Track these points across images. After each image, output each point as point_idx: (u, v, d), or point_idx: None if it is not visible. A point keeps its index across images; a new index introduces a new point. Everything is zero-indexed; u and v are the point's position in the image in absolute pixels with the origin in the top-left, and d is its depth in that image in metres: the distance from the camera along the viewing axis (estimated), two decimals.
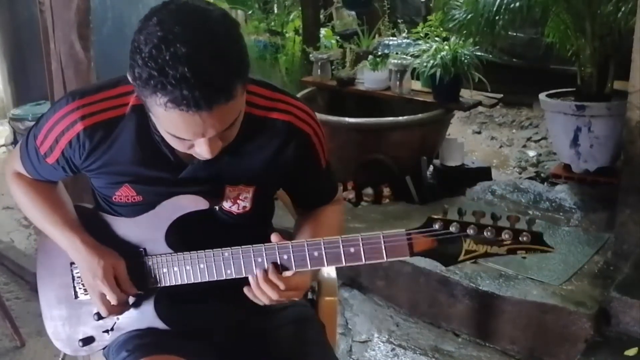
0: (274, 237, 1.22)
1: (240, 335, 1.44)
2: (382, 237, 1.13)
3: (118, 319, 1.40)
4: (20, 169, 1.43)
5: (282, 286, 1.21)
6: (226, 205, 1.33)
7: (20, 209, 1.48)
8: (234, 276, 1.26)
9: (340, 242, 1.16)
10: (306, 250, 1.19)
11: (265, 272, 1.22)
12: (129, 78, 1.09)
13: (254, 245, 1.23)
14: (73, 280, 1.44)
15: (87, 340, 1.43)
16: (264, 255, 1.22)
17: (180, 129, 1.09)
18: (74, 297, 1.45)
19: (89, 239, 1.36)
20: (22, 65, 5.18)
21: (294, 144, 1.30)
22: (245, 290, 1.24)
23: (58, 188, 1.47)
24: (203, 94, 1.02)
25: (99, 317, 1.40)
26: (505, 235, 1.07)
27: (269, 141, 1.29)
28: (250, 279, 1.23)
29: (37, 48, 2.93)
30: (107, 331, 1.41)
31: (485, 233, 1.07)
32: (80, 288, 1.43)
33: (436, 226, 1.10)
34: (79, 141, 1.28)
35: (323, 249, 1.17)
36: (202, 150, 1.14)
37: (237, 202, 1.34)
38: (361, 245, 1.15)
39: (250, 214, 1.36)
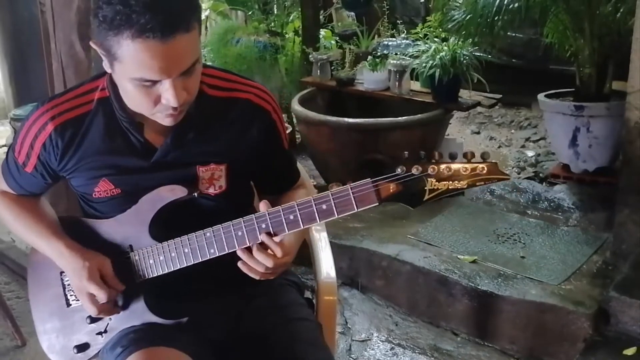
0: (262, 205, 1.25)
1: (235, 334, 1.44)
2: (350, 189, 1.18)
3: (110, 319, 1.41)
4: (4, 186, 1.47)
5: (279, 252, 1.25)
6: (203, 188, 1.37)
7: (7, 226, 1.50)
8: (217, 254, 1.29)
9: (312, 201, 1.20)
10: (282, 216, 1.23)
11: (260, 243, 1.25)
12: (94, 30, 1.17)
13: (233, 221, 1.27)
14: (64, 289, 1.46)
15: (82, 347, 1.44)
16: (244, 228, 1.26)
17: (146, 65, 1.14)
18: (66, 305, 1.46)
19: (73, 244, 1.39)
20: (23, 66, 5.19)
21: (257, 121, 1.38)
22: (240, 264, 1.27)
23: (41, 202, 1.51)
24: (166, 18, 1.11)
25: (92, 320, 1.42)
26: (463, 170, 1.14)
27: (232, 119, 1.37)
28: (241, 253, 1.26)
29: (37, 48, 2.95)
30: (100, 333, 1.43)
31: (444, 170, 1.15)
32: (71, 295, 1.45)
33: (399, 170, 1.16)
34: (51, 142, 1.33)
35: (297, 210, 1.22)
36: (168, 97, 1.18)
37: (212, 183, 1.37)
38: (332, 200, 1.19)
39: (228, 194, 1.39)
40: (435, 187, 1.16)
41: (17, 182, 1.44)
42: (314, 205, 1.20)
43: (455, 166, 1.14)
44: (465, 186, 1.15)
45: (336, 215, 1.20)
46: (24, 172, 1.40)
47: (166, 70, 1.16)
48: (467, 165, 1.14)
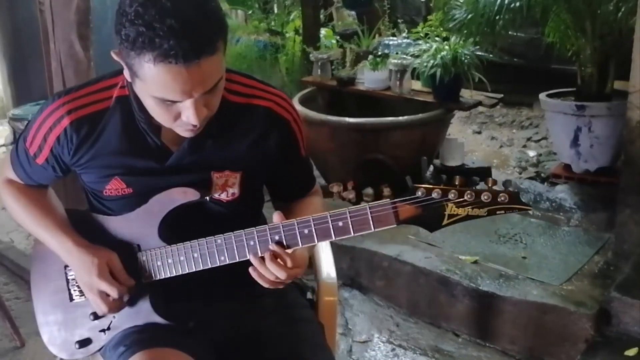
0: (276, 216, 1.24)
1: (237, 336, 1.44)
2: (368, 209, 1.17)
3: (114, 317, 1.40)
4: (12, 175, 1.45)
5: (289, 263, 1.23)
6: (215, 193, 1.35)
7: (12, 215, 1.48)
8: (227, 262, 1.28)
9: (329, 217, 1.19)
10: (296, 229, 1.22)
11: (272, 251, 1.23)
12: (115, 42, 1.13)
13: (245, 230, 1.25)
14: (67, 283, 1.45)
15: (84, 342, 1.43)
16: (256, 238, 1.24)
17: (168, 87, 1.11)
18: (69, 300, 1.45)
19: (81, 240, 1.37)
20: (22, 65, 5.19)
21: (276, 130, 1.35)
22: (251, 270, 1.25)
23: (49, 193, 1.49)
24: (191, 44, 1.07)
25: (95, 317, 1.41)
26: (484, 197, 1.12)
27: (251, 127, 1.34)
28: (253, 259, 1.24)
29: (37, 48, 2.94)
30: (103, 331, 1.42)
31: (465, 196, 1.12)
32: (75, 290, 1.44)
33: (419, 193, 1.14)
34: (66, 136, 1.30)
35: (312, 225, 1.20)
36: (188, 115, 1.16)
37: (225, 189, 1.36)
38: (349, 218, 1.18)
39: (240, 201, 1.38)
40: (455, 213, 1.14)
41: (27, 172, 1.41)
42: (330, 221, 1.19)
43: (476, 193, 1.12)
44: (485, 214, 1.13)
45: (352, 234, 1.18)
46: (34, 163, 1.37)
47: (188, 93, 1.13)
48: (488, 193, 1.12)
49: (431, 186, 1.14)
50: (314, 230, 1.20)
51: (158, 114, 1.20)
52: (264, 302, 1.47)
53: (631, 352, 2.25)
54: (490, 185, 1.13)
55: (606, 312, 2.37)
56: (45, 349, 1.52)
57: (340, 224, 1.18)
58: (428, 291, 2.71)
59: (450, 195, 1.13)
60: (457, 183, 1.14)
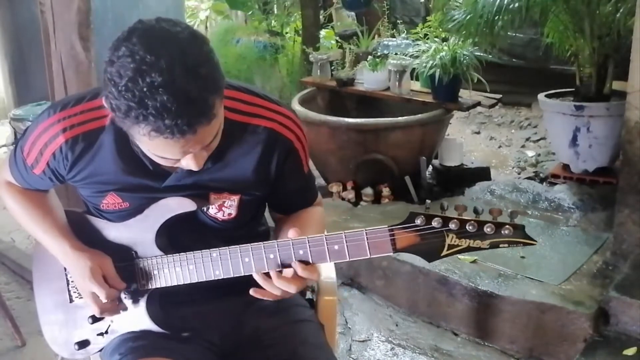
0: (291, 232, 1.21)
1: (237, 337, 1.44)
2: (365, 234, 1.14)
3: (112, 321, 1.41)
4: (10, 179, 1.45)
5: (301, 272, 1.19)
6: (211, 211, 1.34)
7: (13, 216, 1.49)
8: (222, 276, 1.27)
9: (325, 239, 1.17)
10: (292, 249, 1.19)
11: (280, 272, 1.21)
12: (106, 106, 1.09)
13: (241, 246, 1.24)
14: (67, 284, 1.46)
15: (83, 344, 1.44)
16: (252, 255, 1.23)
17: (166, 151, 1.11)
18: (69, 301, 1.46)
19: (78, 243, 1.38)
20: (23, 66, 5.19)
21: (278, 151, 1.31)
22: (252, 292, 1.24)
23: (49, 195, 1.49)
24: (185, 120, 1.03)
25: (94, 320, 1.42)
26: (487, 229, 1.07)
27: (251, 148, 1.30)
28: (257, 277, 1.23)
29: (38, 48, 2.95)
30: (101, 334, 1.43)
31: (467, 227, 1.07)
32: (74, 292, 1.45)
33: (418, 221, 1.10)
34: (62, 153, 1.30)
35: (308, 247, 1.18)
36: (188, 164, 1.16)
37: (222, 209, 1.35)
38: (345, 242, 1.15)
39: (236, 220, 1.37)
40: (455, 244, 1.09)
41: (25, 179, 1.42)
42: (325, 244, 1.16)
43: (479, 223, 1.06)
44: (487, 247, 1.08)
45: (348, 258, 1.16)
46: (31, 173, 1.38)
47: (186, 152, 1.12)
48: (492, 225, 1.06)
49: (431, 214, 1.09)
50: (309, 252, 1.18)
51: (157, 161, 1.19)
52: (263, 302, 1.46)
53: (630, 351, 2.25)
54: (494, 216, 1.07)
55: (605, 312, 2.37)
56: (46, 349, 1.53)
57: (336, 247, 1.16)
58: (427, 290, 2.71)
59: (452, 225, 1.08)
60: (459, 212, 1.08)
